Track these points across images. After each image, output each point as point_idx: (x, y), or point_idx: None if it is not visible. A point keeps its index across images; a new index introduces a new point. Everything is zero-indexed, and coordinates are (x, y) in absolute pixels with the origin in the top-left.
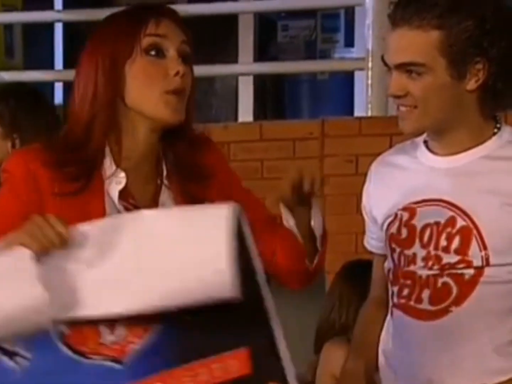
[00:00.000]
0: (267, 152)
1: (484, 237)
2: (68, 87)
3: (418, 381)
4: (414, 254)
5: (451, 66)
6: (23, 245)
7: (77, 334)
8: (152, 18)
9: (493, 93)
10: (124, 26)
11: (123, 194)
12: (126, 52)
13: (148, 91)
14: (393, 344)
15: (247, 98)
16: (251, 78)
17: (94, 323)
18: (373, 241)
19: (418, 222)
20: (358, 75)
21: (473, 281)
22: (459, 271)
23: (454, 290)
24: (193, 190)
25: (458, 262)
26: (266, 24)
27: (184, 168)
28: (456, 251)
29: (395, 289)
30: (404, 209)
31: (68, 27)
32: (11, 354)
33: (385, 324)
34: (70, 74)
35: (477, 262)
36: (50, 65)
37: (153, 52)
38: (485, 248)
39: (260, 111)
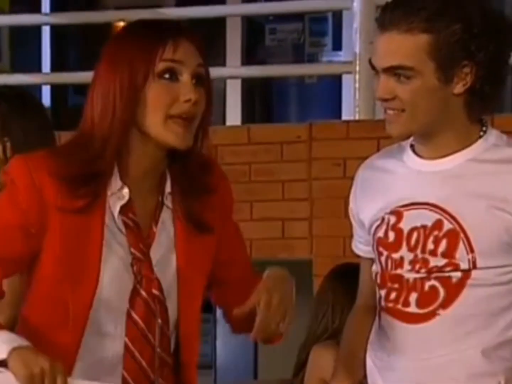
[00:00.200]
0: (255, 156)
1: (471, 240)
2: (55, 90)
3: None
4: (401, 258)
5: (440, 70)
6: (18, 380)
7: None
8: (170, 39)
9: (480, 96)
10: (142, 46)
11: (124, 208)
12: (143, 76)
13: (154, 114)
14: (380, 347)
15: (235, 102)
16: (239, 82)
17: None
18: (361, 245)
19: (405, 226)
20: (345, 79)
21: (460, 284)
22: (446, 274)
23: (442, 293)
24: (195, 213)
25: (445, 265)
26: (254, 27)
27: (188, 188)
28: (443, 254)
29: (383, 292)
30: (391, 212)
31: (56, 30)
32: None
33: (373, 328)
34: (57, 77)
35: (464, 265)
36: (37, 68)
37: (167, 76)
38: (472, 251)
39: (248, 115)
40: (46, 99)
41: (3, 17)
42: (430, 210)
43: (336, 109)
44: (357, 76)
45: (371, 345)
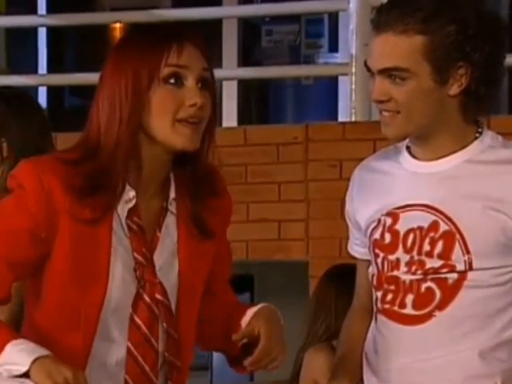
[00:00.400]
0: (251, 157)
1: (467, 241)
2: (52, 91)
3: None
4: (398, 259)
5: (435, 71)
6: None
7: None
8: (175, 43)
9: (475, 98)
10: (146, 51)
11: (130, 211)
12: (148, 81)
13: (160, 118)
14: (376, 349)
15: (231, 103)
16: (235, 83)
17: None
18: (357, 246)
19: (401, 227)
20: (342, 80)
21: (457, 286)
22: (443, 276)
23: (438, 294)
24: (200, 217)
25: (442, 267)
26: (250, 29)
27: (194, 192)
28: (439, 256)
29: (379, 294)
30: (387, 214)
31: (52, 31)
32: None
33: (370, 329)
34: (54, 79)
35: (460, 267)
36: (34, 70)
37: (172, 81)
38: (468, 252)
39: (244, 116)
40: (42, 101)
41: None
42: (426, 211)
43: (332, 111)
44: (353, 78)
45: (368, 347)
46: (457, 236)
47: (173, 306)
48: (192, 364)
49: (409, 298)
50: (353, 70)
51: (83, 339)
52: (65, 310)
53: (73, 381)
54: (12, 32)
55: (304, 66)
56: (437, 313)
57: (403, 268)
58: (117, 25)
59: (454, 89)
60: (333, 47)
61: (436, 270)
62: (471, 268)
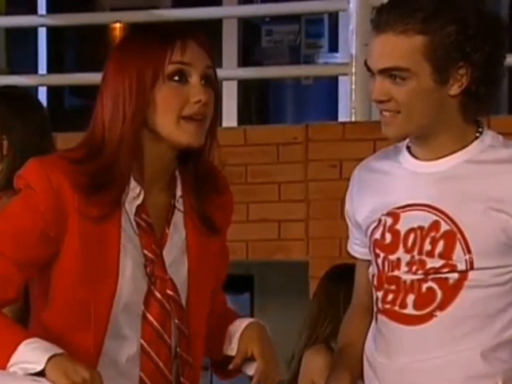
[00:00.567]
0: (251, 157)
1: (468, 241)
2: (52, 91)
3: None
4: (398, 259)
5: (435, 71)
6: None
7: None
8: (178, 41)
9: (476, 98)
10: (150, 49)
11: (137, 208)
12: (152, 79)
13: (165, 116)
14: (377, 349)
15: (231, 103)
16: (235, 83)
17: None
18: (356, 246)
19: (402, 227)
20: (342, 80)
21: (458, 286)
22: (444, 276)
23: (439, 294)
24: (206, 212)
25: (443, 267)
26: (250, 29)
27: (199, 188)
28: (440, 255)
29: (380, 294)
30: (388, 214)
31: (52, 31)
32: None
33: (370, 330)
34: (54, 79)
35: (461, 266)
36: (34, 70)
37: (176, 78)
38: (469, 251)
39: (244, 116)
40: (42, 101)
41: None
42: (427, 211)
43: (332, 111)
44: (353, 78)
45: (368, 347)
46: (458, 235)
47: (183, 302)
48: None
49: (410, 298)
50: (353, 70)
51: (94, 337)
52: (75, 308)
53: (90, 381)
54: (12, 32)
55: (304, 66)
56: (438, 313)
57: (403, 268)
58: (117, 25)
59: (454, 89)
60: (333, 47)
61: (437, 270)
62: (472, 268)
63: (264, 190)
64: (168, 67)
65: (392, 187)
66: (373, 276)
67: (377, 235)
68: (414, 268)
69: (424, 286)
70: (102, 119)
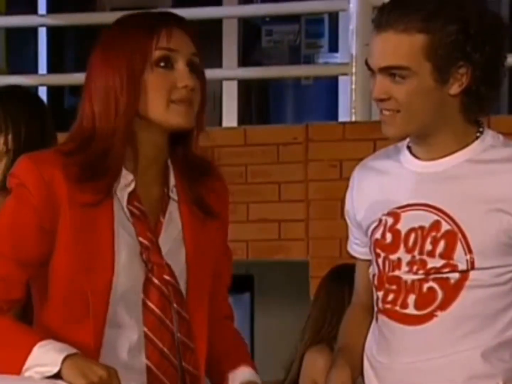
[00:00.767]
0: (251, 157)
1: (469, 241)
2: (52, 91)
3: None
4: (399, 259)
5: (435, 70)
6: None
7: None
8: (164, 28)
9: (476, 97)
10: (137, 37)
11: (130, 197)
12: (141, 66)
13: (155, 101)
14: (377, 349)
15: (231, 103)
16: (235, 83)
17: None
18: (356, 246)
19: (402, 227)
20: (342, 80)
21: (459, 286)
22: (444, 276)
23: (440, 294)
24: (199, 196)
25: (443, 266)
26: (250, 29)
27: (191, 172)
28: (441, 255)
29: (380, 294)
30: (389, 214)
31: (52, 31)
32: None
33: (370, 330)
34: (54, 79)
35: (462, 266)
36: (34, 70)
37: (162, 64)
38: (470, 251)
39: (245, 116)
40: None
41: None
42: (428, 211)
43: (332, 111)
44: (353, 78)
45: (368, 347)
46: (459, 235)
47: (183, 289)
48: None
49: (411, 298)
50: (353, 70)
51: (94, 329)
52: (73, 300)
53: (108, 379)
54: (12, 32)
55: (304, 66)
56: (439, 313)
57: (404, 268)
58: None
59: (454, 89)
60: (333, 47)
61: (438, 270)
62: (473, 268)
63: (264, 190)
64: (154, 53)
65: (392, 187)
66: (373, 276)
67: (378, 235)
68: (414, 268)
69: (425, 286)
70: (91, 111)
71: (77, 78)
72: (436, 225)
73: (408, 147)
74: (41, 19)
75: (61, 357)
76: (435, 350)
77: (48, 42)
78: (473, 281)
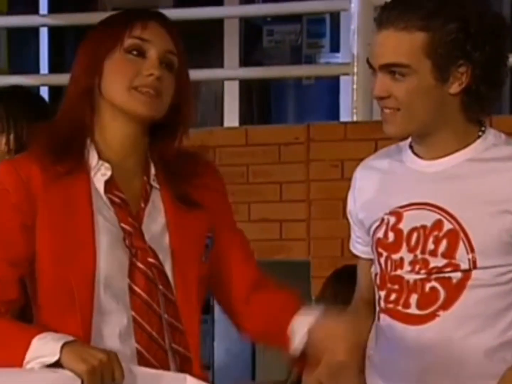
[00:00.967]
0: (252, 157)
1: (471, 240)
2: (53, 91)
3: None
4: (401, 259)
5: (435, 69)
6: (78, 376)
7: None
8: (140, 21)
9: (476, 97)
10: (111, 26)
11: (108, 186)
12: (107, 48)
13: (117, 84)
14: (379, 348)
15: (233, 103)
16: (236, 83)
17: None
18: (358, 245)
19: (405, 226)
20: (343, 80)
21: (461, 285)
22: (447, 275)
23: (442, 294)
24: (181, 191)
25: (445, 266)
26: (251, 29)
27: (170, 171)
28: (443, 255)
29: (382, 294)
30: (391, 213)
31: (54, 31)
32: None
33: (372, 329)
34: (55, 79)
35: (464, 265)
36: (35, 70)
37: (134, 52)
38: (472, 250)
39: (246, 116)
40: None
41: (0, 18)
42: (430, 210)
43: (334, 111)
44: (355, 78)
45: (370, 346)
46: (461, 234)
47: (169, 275)
48: None
49: (413, 298)
50: (355, 70)
51: (81, 317)
52: (59, 292)
53: (108, 362)
54: (13, 32)
55: (305, 66)
56: (441, 313)
57: (406, 267)
58: None
59: (454, 88)
60: (335, 47)
61: (440, 269)
62: (475, 267)
63: (265, 190)
64: (127, 40)
65: (394, 186)
66: (375, 275)
67: (380, 234)
68: (417, 267)
69: (427, 286)
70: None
71: None
72: (438, 224)
73: (411, 146)
74: (43, 19)
75: (59, 345)
76: (437, 350)
77: (50, 42)
78: (475, 280)
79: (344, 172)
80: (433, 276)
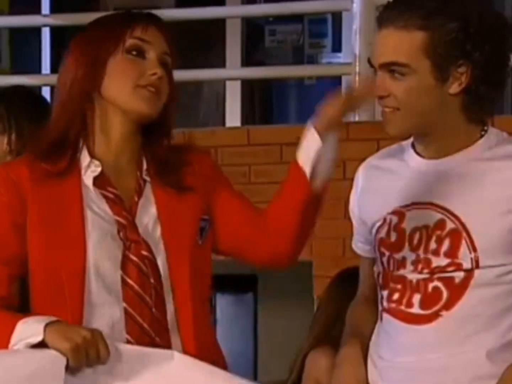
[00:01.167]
0: (254, 157)
1: (474, 239)
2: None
3: None
4: (404, 258)
5: (435, 68)
6: (63, 354)
7: None
8: (141, 23)
9: (476, 97)
10: (111, 27)
11: (100, 182)
12: (110, 49)
13: (123, 84)
14: (382, 348)
15: (235, 103)
16: (238, 83)
17: None
18: (361, 244)
19: (407, 226)
20: (345, 80)
21: (464, 285)
22: (449, 275)
23: (445, 294)
24: (171, 178)
25: (448, 265)
26: (253, 29)
27: (161, 164)
28: (446, 254)
29: (385, 293)
30: (393, 213)
31: (56, 31)
32: None
33: (375, 329)
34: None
35: (466, 265)
36: (37, 70)
37: (134, 52)
38: (474, 250)
39: (248, 116)
40: None
41: (2, 18)
42: (432, 209)
43: None
44: (356, 78)
45: (373, 345)
46: (464, 234)
47: (163, 266)
48: None
49: (416, 298)
50: (357, 70)
51: (71, 309)
52: (50, 286)
53: (91, 339)
54: (15, 32)
55: (307, 66)
56: (444, 312)
57: (409, 267)
58: None
59: (454, 88)
60: (337, 47)
61: (442, 269)
62: (477, 266)
63: (267, 190)
64: (128, 41)
65: (397, 186)
66: (378, 274)
67: (382, 233)
68: (419, 267)
69: (430, 286)
70: (56, 104)
71: None
72: (440, 223)
73: (413, 146)
74: (45, 19)
75: (42, 326)
76: (440, 350)
77: (52, 42)
78: (478, 280)
79: (346, 172)
80: (436, 275)
